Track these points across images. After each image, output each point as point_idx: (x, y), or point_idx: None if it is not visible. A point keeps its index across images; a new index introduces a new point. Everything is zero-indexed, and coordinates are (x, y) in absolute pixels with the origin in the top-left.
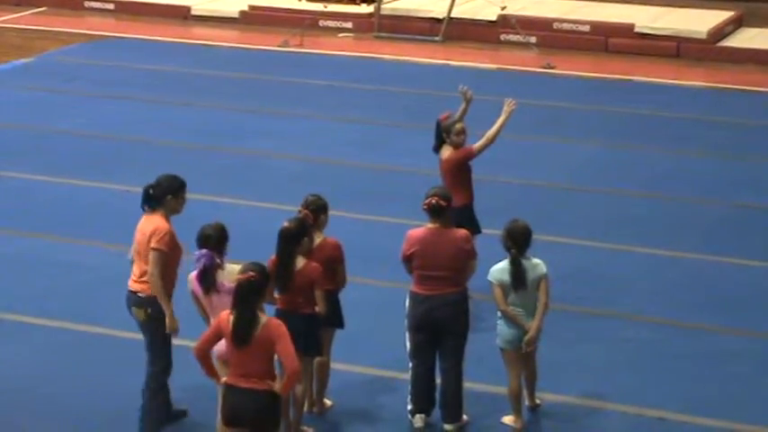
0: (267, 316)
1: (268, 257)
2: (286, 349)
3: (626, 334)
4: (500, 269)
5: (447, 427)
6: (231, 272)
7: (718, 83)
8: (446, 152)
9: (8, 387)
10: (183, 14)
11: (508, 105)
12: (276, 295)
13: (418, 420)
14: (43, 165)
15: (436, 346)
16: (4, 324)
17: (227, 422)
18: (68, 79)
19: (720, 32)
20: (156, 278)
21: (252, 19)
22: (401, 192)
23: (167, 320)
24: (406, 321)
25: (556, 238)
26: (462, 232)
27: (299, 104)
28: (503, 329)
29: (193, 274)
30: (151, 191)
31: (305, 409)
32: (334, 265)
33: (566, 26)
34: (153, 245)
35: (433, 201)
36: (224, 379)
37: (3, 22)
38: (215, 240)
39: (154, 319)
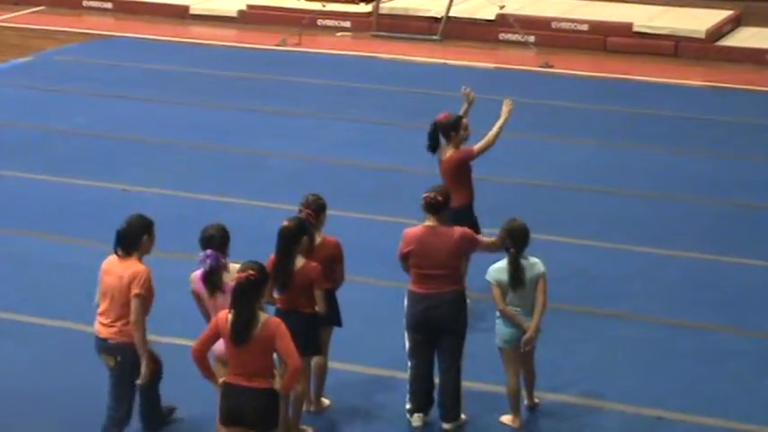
0: (267, 315)
1: (267, 257)
2: (287, 347)
3: (624, 333)
4: (498, 268)
5: (445, 426)
6: (233, 271)
7: (716, 82)
8: (447, 152)
9: (6, 386)
10: (181, 13)
11: (507, 105)
12: (276, 295)
13: (416, 419)
14: (41, 164)
15: (434, 345)
16: (2, 323)
17: (226, 421)
18: (67, 78)
19: (719, 32)
20: (140, 325)
21: (250, 18)
22: (399, 191)
23: (144, 369)
24: (404, 320)
25: (554, 237)
26: (459, 229)
27: (297, 103)
28: (501, 329)
29: (196, 274)
30: (125, 233)
31: (303, 407)
32: (333, 263)
33: (564, 25)
34: (136, 291)
35: (431, 195)
36: (222, 379)
37: (1, 21)
38: (218, 241)
39: (124, 366)
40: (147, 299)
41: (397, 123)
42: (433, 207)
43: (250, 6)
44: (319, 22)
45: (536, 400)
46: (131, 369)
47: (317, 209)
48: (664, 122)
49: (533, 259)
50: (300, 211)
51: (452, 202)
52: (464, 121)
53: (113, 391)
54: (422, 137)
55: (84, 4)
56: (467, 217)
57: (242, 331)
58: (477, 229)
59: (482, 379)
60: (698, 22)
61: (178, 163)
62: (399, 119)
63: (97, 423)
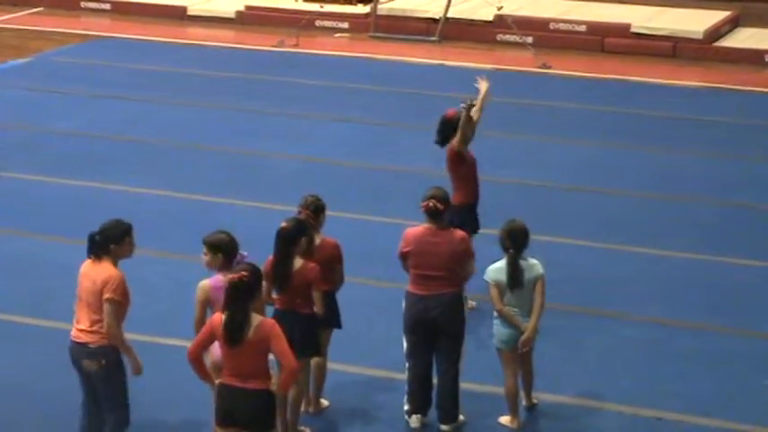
0: (261, 316)
1: (265, 258)
2: (282, 348)
3: (622, 334)
4: (497, 269)
5: (443, 427)
6: None
7: (714, 83)
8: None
9: (4, 387)
10: (179, 14)
11: (483, 85)
12: (274, 295)
13: (415, 421)
14: (40, 165)
15: (432, 346)
16: (0, 325)
17: (222, 422)
18: (65, 79)
19: (716, 32)
20: (115, 329)
21: (248, 19)
22: (398, 191)
23: (134, 362)
24: (402, 321)
25: (552, 237)
26: (459, 233)
27: (295, 104)
28: (499, 329)
29: (211, 283)
30: (96, 238)
31: (301, 408)
32: (333, 264)
33: (562, 26)
34: (107, 295)
35: (431, 204)
36: (218, 380)
37: None
38: (237, 242)
39: (110, 368)
40: (121, 303)
41: (395, 124)
42: (433, 214)
43: (248, 7)
44: (317, 23)
45: (534, 401)
46: (117, 370)
47: (315, 210)
48: (661, 123)
49: (532, 260)
50: (299, 211)
51: (454, 200)
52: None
53: (107, 396)
54: (420, 137)
55: (82, 5)
56: (467, 216)
57: (235, 332)
58: (475, 229)
59: (480, 380)
60: (696, 22)
61: (176, 164)
62: (397, 120)
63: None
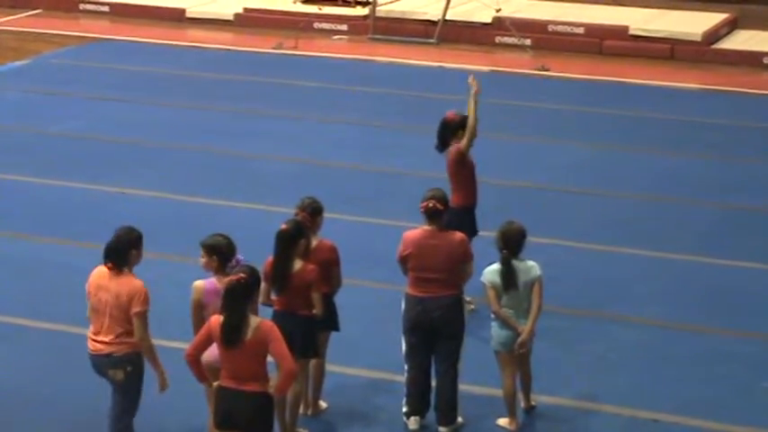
0: (260, 317)
1: (263, 259)
2: (281, 350)
3: (620, 336)
4: (493, 271)
5: (442, 429)
6: None
7: (712, 85)
8: (447, 153)
9: (3, 389)
10: (177, 17)
11: (473, 86)
12: (273, 297)
13: (413, 423)
14: (38, 166)
15: (431, 348)
16: None
17: (220, 425)
18: (63, 81)
19: (715, 35)
20: (149, 341)
21: (246, 21)
22: (396, 194)
23: (161, 377)
24: (401, 323)
25: (550, 239)
26: (458, 235)
27: (293, 107)
28: (496, 331)
29: (205, 284)
30: (114, 247)
31: (300, 410)
32: (329, 267)
33: (560, 28)
34: (137, 308)
35: (430, 204)
36: (216, 382)
37: None
38: (234, 246)
39: (133, 376)
40: (148, 312)
41: (394, 126)
42: (433, 215)
43: (247, 9)
44: (316, 25)
45: (533, 403)
46: (139, 378)
47: (313, 212)
48: (660, 125)
49: (530, 262)
50: (297, 213)
51: (453, 202)
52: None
53: (124, 400)
54: (418, 139)
55: (81, 7)
56: (466, 219)
57: (233, 334)
58: (474, 233)
59: (479, 381)
60: (694, 25)
61: (175, 166)
62: (396, 122)
63: (95, 426)
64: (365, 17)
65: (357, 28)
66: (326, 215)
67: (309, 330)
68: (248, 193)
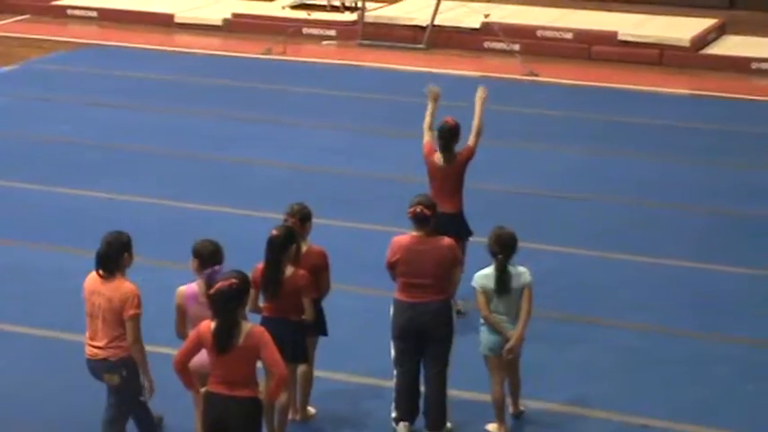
0: (250, 323)
1: (252, 265)
2: (272, 356)
3: (610, 340)
4: (484, 275)
5: None
6: None
7: (700, 90)
8: (447, 156)
9: None
10: (166, 22)
11: (481, 91)
12: (262, 303)
13: (402, 428)
14: (26, 173)
15: (420, 353)
16: None
17: (208, 431)
18: (51, 87)
19: (703, 40)
20: (139, 344)
21: (235, 27)
22: (385, 199)
23: (149, 384)
24: (390, 329)
25: (538, 245)
26: (447, 240)
27: (282, 112)
28: (485, 336)
29: (185, 289)
30: (106, 254)
31: (288, 416)
32: (319, 272)
33: (549, 34)
34: (131, 312)
35: (418, 209)
36: (204, 388)
37: None
38: (220, 258)
39: (129, 380)
40: (140, 315)
41: (383, 132)
42: (420, 220)
43: (235, 15)
44: (304, 30)
45: (521, 408)
46: (135, 382)
47: (302, 218)
48: (648, 130)
49: (521, 268)
50: (286, 219)
51: (451, 207)
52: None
53: (115, 408)
54: (407, 145)
55: (69, 12)
56: (463, 222)
57: (225, 339)
58: (471, 234)
59: (468, 387)
60: (682, 30)
61: (163, 171)
62: (384, 127)
63: (84, 430)
64: (354, 23)
65: (346, 33)
66: (315, 220)
67: (300, 336)
68: (237, 198)
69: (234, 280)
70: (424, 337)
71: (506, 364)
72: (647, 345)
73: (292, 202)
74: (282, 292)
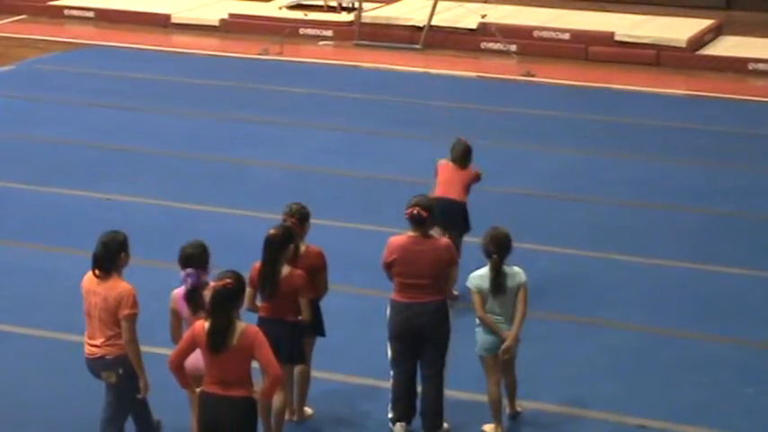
0: (245, 323)
1: (249, 266)
2: (266, 356)
3: (607, 341)
4: (479, 275)
5: None
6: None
7: (697, 91)
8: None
9: None
10: (163, 22)
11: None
12: (259, 303)
13: (399, 429)
14: (23, 173)
15: (417, 354)
16: None
17: (204, 431)
18: (48, 87)
19: (700, 41)
20: (134, 344)
21: (232, 27)
22: (382, 199)
23: (143, 383)
24: (386, 329)
25: (536, 246)
26: (444, 241)
27: (279, 112)
28: (481, 337)
29: (177, 292)
30: (102, 254)
31: (285, 417)
32: (317, 272)
33: (546, 34)
34: (126, 311)
35: (415, 211)
36: (199, 389)
37: None
38: (198, 259)
39: (126, 378)
40: (137, 315)
41: (380, 132)
42: (418, 222)
43: (232, 15)
44: (301, 31)
45: (518, 409)
46: (132, 380)
47: (300, 218)
48: (645, 131)
49: (516, 268)
50: (284, 219)
51: (457, 196)
52: None
53: (113, 406)
54: (405, 145)
55: (66, 12)
56: (467, 215)
57: (219, 339)
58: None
59: (464, 387)
60: (679, 31)
61: (160, 172)
62: (381, 127)
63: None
64: (351, 23)
65: (342, 34)
66: (312, 221)
67: (296, 336)
68: (235, 198)
69: (228, 280)
70: (420, 338)
71: (502, 364)
72: (645, 345)
73: (290, 202)
74: (279, 292)
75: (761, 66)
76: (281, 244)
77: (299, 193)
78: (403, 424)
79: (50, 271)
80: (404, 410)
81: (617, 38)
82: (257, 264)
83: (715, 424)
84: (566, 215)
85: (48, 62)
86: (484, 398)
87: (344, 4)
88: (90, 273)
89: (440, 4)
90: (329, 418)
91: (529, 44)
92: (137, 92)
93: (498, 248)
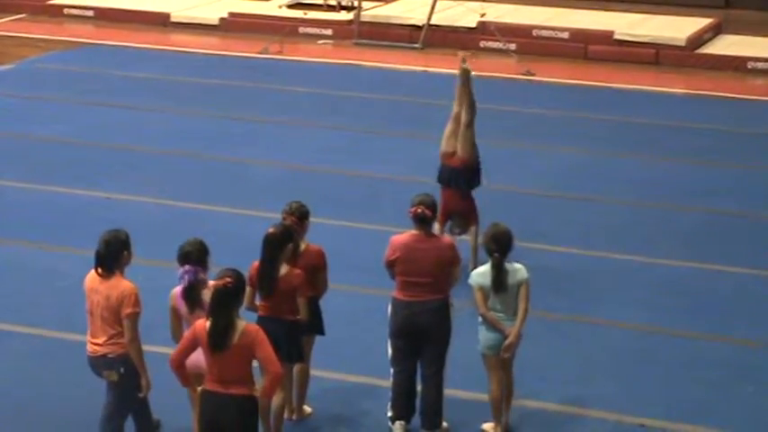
0: (245, 321)
1: (248, 264)
2: (267, 354)
3: (606, 340)
4: (481, 273)
5: None
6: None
7: (696, 90)
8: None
9: None
10: (162, 21)
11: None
12: (258, 302)
13: (398, 427)
14: (23, 171)
15: (417, 352)
16: None
17: (205, 429)
18: (48, 86)
19: (699, 39)
20: (136, 342)
21: (231, 26)
22: (382, 198)
23: (145, 382)
24: (387, 327)
25: (535, 244)
26: (446, 240)
27: (278, 111)
28: (483, 335)
29: (177, 290)
30: (104, 253)
31: (285, 416)
32: (316, 271)
33: (545, 33)
34: (128, 310)
35: (419, 210)
36: (200, 387)
37: None
38: (196, 256)
39: (127, 377)
40: (139, 314)
41: (379, 131)
42: (422, 220)
43: (231, 14)
44: (301, 30)
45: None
46: (133, 379)
47: (300, 216)
48: (644, 130)
49: (517, 265)
50: (284, 218)
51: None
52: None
53: (114, 405)
54: (404, 144)
55: (65, 11)
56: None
57: (220, 338)
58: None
59: (464, 386)
60: (678, 29)
61: (160, 171)
62: (381, 126)
63: (79, 429)
64: (350, 22)
65: (342, 32)
66: (312, 220)
67: (295, 335)
68: (234, 197)
69: (228, 279)
70: (421, 336)
71: (501, 364)
72: (645, 344)
73: (290, 200)
74: (277, 291)
75: (760, 64)
76: (280, 243)
77: (299, 192)
78: (402, 423)
79: (48, 269)
80: (403, 409)
81: (616, 37)
82: (256, 262)
83: (714, 423)
84: (565, 214)
85: (47, 61)
86: (483, 397)
87: (344, 3)
88: (92, 271)
89: (439, 3)
90: (328, 417)
91: (528, 43)
92: (137, 91)
93: (499, 246)
